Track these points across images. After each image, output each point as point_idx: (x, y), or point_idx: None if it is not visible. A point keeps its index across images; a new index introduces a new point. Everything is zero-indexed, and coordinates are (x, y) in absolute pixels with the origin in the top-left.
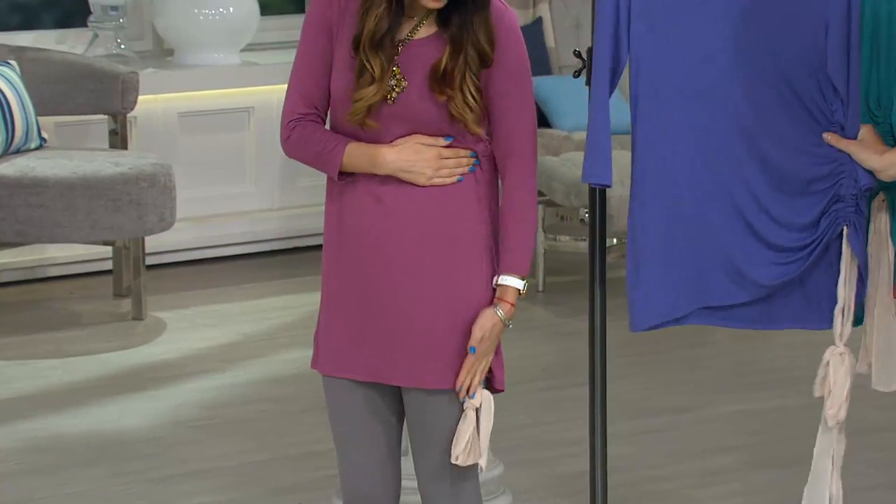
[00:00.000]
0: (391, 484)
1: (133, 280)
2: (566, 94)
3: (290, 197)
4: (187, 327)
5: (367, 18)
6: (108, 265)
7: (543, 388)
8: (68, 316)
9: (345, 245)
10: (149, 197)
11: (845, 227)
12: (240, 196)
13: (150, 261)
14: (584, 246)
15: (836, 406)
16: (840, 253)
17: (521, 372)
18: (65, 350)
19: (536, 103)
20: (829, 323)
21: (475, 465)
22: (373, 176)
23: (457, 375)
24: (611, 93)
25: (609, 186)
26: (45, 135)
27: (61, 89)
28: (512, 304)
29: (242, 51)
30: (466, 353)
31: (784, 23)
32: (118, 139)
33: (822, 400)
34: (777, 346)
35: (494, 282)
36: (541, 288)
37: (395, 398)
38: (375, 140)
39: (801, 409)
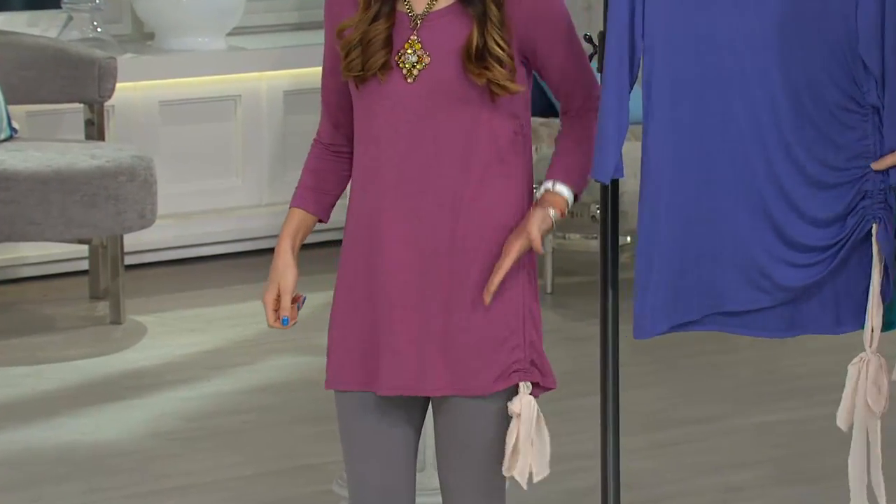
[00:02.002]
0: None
1: (111, 281)
2: None
3: (280, 192)
4: (169, 332)
5: None
6: (84, 265)
7: (552, 398)
8: (41, 320)
9: (374, 249)
10: (128, 192)
11: (874, 225)
12: (226, 191)
13: (129, 260)
14: (595, 245)
15: (845, 410)
16: (865, 252)
17: None
18: (37, 356)
19: (543, 90)
20: (851, 326)
21: (502, 482)
22: (402, 184)
23: (498, 381)
24: (630, 81)
25: (621, 177)
26: (15, 125)
27: (33, 76)
28: (563, 213)
29: (228, 35)
30: (506, 358)
31: (811, 4)
32: (94, 130)
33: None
34: (804, 352)
35: (543, 187)
36: (549, 290)
37: (418, 410)
38: (396, 118)
39: (829, 420)
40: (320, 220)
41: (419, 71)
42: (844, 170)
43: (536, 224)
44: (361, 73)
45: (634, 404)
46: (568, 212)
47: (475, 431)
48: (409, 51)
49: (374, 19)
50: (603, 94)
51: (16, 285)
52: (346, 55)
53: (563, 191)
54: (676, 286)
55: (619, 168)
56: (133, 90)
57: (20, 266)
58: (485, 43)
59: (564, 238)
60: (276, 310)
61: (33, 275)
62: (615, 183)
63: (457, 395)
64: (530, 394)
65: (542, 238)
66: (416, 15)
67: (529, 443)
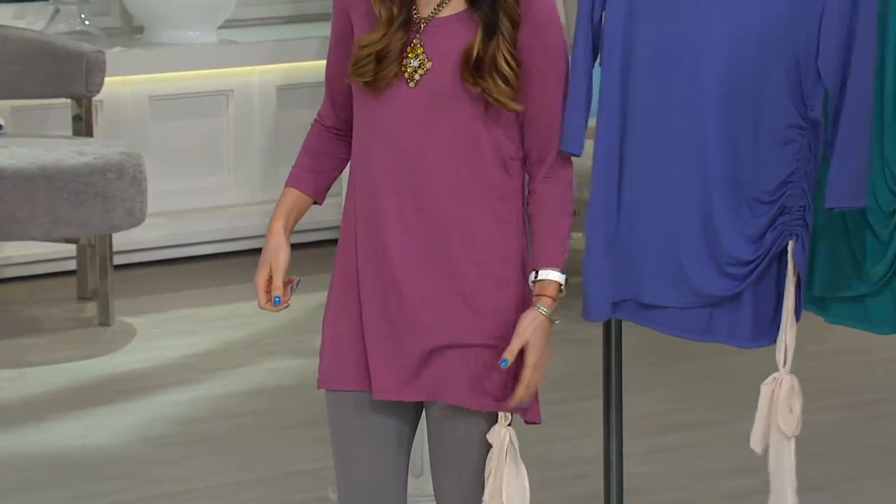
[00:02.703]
0: None
1: (99, 282)
2: None
3: (273, 190)
4: (159, 334)
5: None
6: (72, 265)
7: (552, 401)
8: (27, 321)
9: (367, 251)
10: (116, 189)
11: (791, 241)
12: (217, 189)
13: (117, 260)
14: None
15: (759, 432)
16: (782, 269)
17: None
18: (24, 359)
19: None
20: (766, 341)
21: None
22: (399, 185)
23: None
24: (592, 58)
25: (578, 156)
26: (0, 120)
27: (19, 70)
28: (553, 300)
29: (220, 28)
30: (511, 369)
31: (776, 16)
32: (82, 125)
33: (858, 414)
34: (806, 356)
35: (531, 277)
36: None
37: (413, 414)
38: (395, 122)
39: (835, 425)
40: (315, 202)
41: (420, 76)
42: (774, 186)
43: (519, 335)
44: (371, 80)
45: (637, 408)
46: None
47: (465, 440)
48: (410, 55)
49: (395, 31)
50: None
51: (1, 286)
52: (357, 62)
53: (554, 276)
54: (607, 270)
55: (578, 146)
56: (122, 85)
57: (5, 266)
58: (489, 56)
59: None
60: (268, 291)
61: (19, 275)
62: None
63: (448, 402)
64: (508, 425)
65: (543, 339)
66: (422, 18)
67: (503, 473)
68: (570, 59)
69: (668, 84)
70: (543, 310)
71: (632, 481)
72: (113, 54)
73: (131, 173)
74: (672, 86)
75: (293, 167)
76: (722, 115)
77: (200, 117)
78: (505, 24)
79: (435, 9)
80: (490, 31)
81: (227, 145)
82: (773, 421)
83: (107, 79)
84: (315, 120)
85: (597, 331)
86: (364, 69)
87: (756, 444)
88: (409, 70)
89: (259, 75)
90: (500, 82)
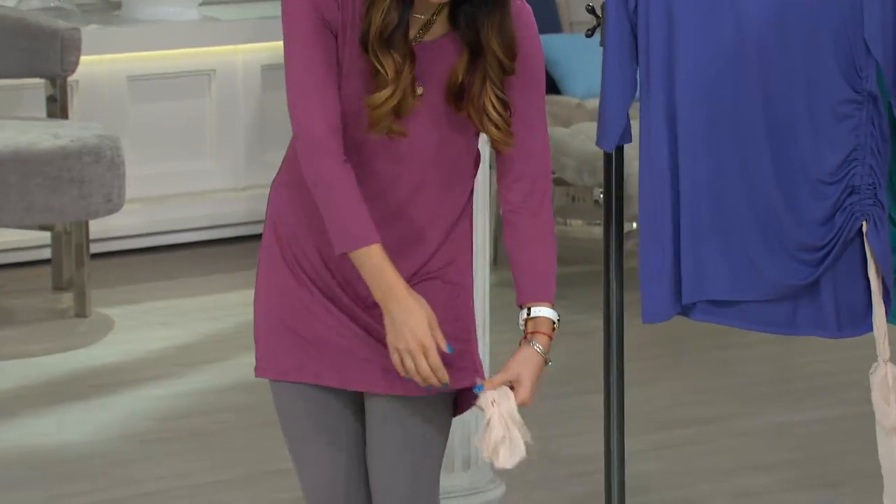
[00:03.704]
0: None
1: (75, 271)
2: (578, 56)
3: (258, 174)
4: (138, 326)
5: (374, 13)
6: (47, 253)
7: (551, 397)
8: (0, 312)
9: (312, 232)
10: (93, 174)
11: (864, 223)
12: (199, 173)
13: (94, 248)
14: (598, 231)
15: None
16: (859, 253)
17: None
18: None
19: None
20: (851, 331)
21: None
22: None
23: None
24: (630, 48)
25: (628, 142)
26: None
27: None
28: (550, 338)
29: (202, 4)
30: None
31: None
32: (57, 107)
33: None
34: (822, 347)
35: (523, 316)
36: None
37: (358, 405)
38: (386, 144)
39: (850, 420)
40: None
41: (412, 104)
42: (835, 165)
43: (529, 378)
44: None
45: (640, 403)
46: (569, 196)
47: (412, 431)
48: None
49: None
50: (604, 57)
51: None
52: (377, 120)
53: (548, 313)
54: (672, 271)
55: (626, 133)
56: (99, 64)
57: None
58: (472, 80)
59: (566, 224)
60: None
61: None
62: (620, 165)
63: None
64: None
65: (536, 380)
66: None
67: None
68: (602, 55)
69: (714, 68)
70: (539, 347)
71: (634, 480)
72: (89, 32)
73: (109, 157)
74: (719, 69)
75: (351, 219)
76: (773, 92)
77: (181, 98)
78: (492, 65)
79: (420, 31)
80: (475, 55)
81: (210, 128)
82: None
83: (83, 57)
84: (320, 148)
85: (597, 322)
86: (384, 124)
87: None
88: None
89: (243, 54)
90: (486, 118)
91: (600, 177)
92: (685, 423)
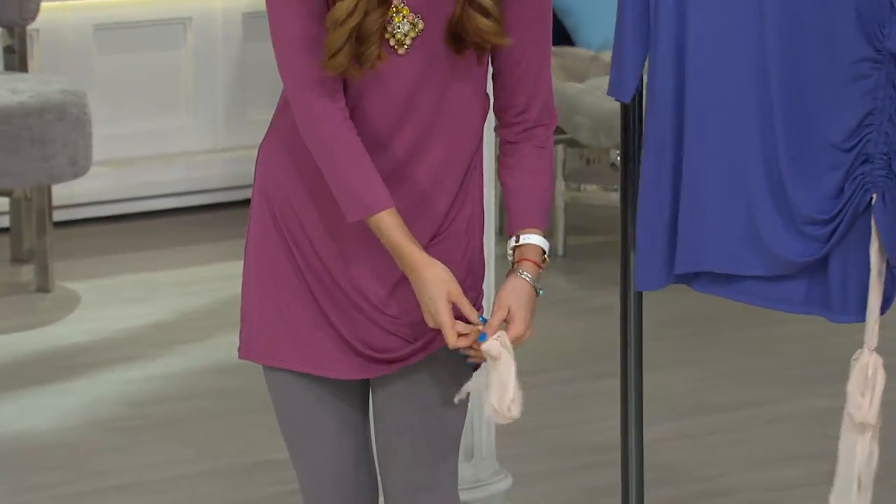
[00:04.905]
0: (368, 496)
1: (36, 241)
2: (593, 4)
3: (238, 134)
4: (106, 302)
5: None
6: (5, 221)
7: (563, 380)
8: None
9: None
10: (57, 133)
11: (873, 196)
12: (174, 133)
13: (58, 216)
14: (615, 197)
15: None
16: (868, 229)
17: (535, 359)
18: None
19: (555, 15)
20: (855, 316)
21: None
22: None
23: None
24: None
25: (626, 103)
26: None
27: None
28: (538, 266)
29: None
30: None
31: None
32: (15, 59)
33: None
34: (861, 327)
35: (512, 242)
36: (560, 252)
37: (363, 389)
38: (382, 96)
39: (892, 407)
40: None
41: (412, 39)
42: (848, 130)
43: (500, 307)
44: (350, 69)
45: (661, 387)
46: (583, 159)
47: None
48: (396, 19)
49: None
50: (619, 7)
51: None
52: (333, 49)
53: (536, 240)
54: (678, 234)
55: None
56: (61, 11)
57: None
58: (469, 20)
59: (579, 190)
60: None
61: None
62: (640, 123)
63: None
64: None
65: (530, 310)
66: None
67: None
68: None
69: (728, 16)
70: (527, 275)
71: (655, 471)
72: None
73: (74, 114)
74: (732, 17)
75: (359, 183)
76: (788, 45)
77: (154, 49)
78: None
79: None
80: None
81: (186, 82)
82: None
83: (43, 4)
84: (315, 114)
85: (614, 298)
86: (339, 60)
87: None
88: (398, 36)
89: (222, 0)
90: (481, 19)
91: (617, 137)
92: (711, 409)
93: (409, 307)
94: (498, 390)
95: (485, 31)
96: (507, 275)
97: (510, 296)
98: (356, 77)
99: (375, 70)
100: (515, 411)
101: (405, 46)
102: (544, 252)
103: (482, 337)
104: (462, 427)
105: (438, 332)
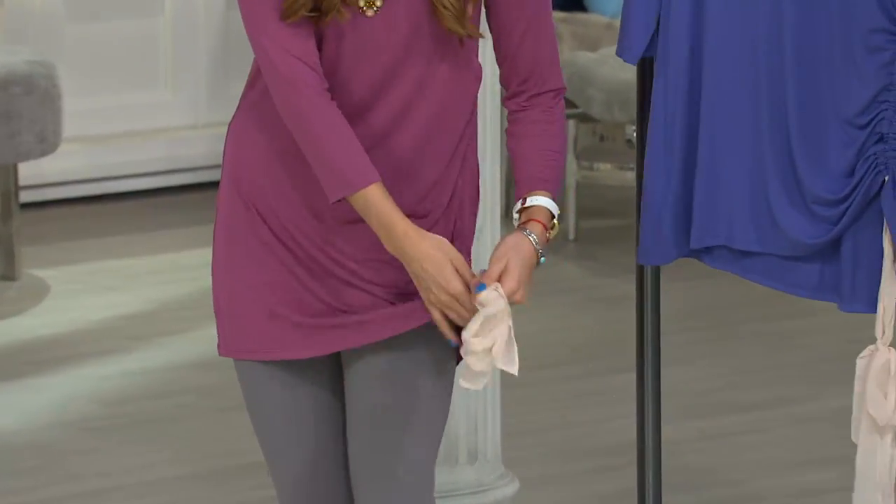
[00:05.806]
0: (343, 492)
1: (2, 224)
2: None
3: (221, 109)
4: (78, 291)
5: None
6: None
7: (575, 376)
8: None
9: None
10: (23, 108)
11: (885, 178)
12: (152, 108)
13: (25, 197)
14: (630, 177)
15: (855, 420)
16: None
17: (544, 353)
18: None
19: None
20: (864, 305)
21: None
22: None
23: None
24: None
25: (633, 65)
26: None
27: None
28: (546, 228)
29: None
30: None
31: None
32: None
33: None
34: None
35: (518, 205)
36: (571, 236)
37: (337, 371)
38: (351, 63)
39: None
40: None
41: (381, 4)
42: (861, 105)
43: (498, 257)
44: (313, 13)
45: (680, 383)
46: (596, 135)
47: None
48: None
49: None
50: None
51: None
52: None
53: (545, 202)
54: (689, 207)
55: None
56: None
57: None
58: None
59: (592, 169)
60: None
61: None
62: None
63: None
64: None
65: (528, 271)
66: None
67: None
68: None
69: None
70: (533, 236)
71: (673, 475)
72: None
73: (42, 87)
74: None
75: (342, 157)
76: (803, 16)
77: (130, 17)
78: None
79: None
80: None
81: (164, 53)
82: (864, 406)
83: None
84: (290, 87)
85: (629, 286)
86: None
87: (855, 434)
88: None
89: None
90: (441, 9)
91: (633, 111)
92: (734, 407)
93: (391, 277)
94: (498, 343)
95: (444, 19)
96: (510, 235)
97: (510, 250)
98: (322, 24)
99: (342, 21)
100: (508, 363)
101: (374, 8)
102: (553, 217)
103: (481, 287)
104: (444, 417)
105: (420, 304)
